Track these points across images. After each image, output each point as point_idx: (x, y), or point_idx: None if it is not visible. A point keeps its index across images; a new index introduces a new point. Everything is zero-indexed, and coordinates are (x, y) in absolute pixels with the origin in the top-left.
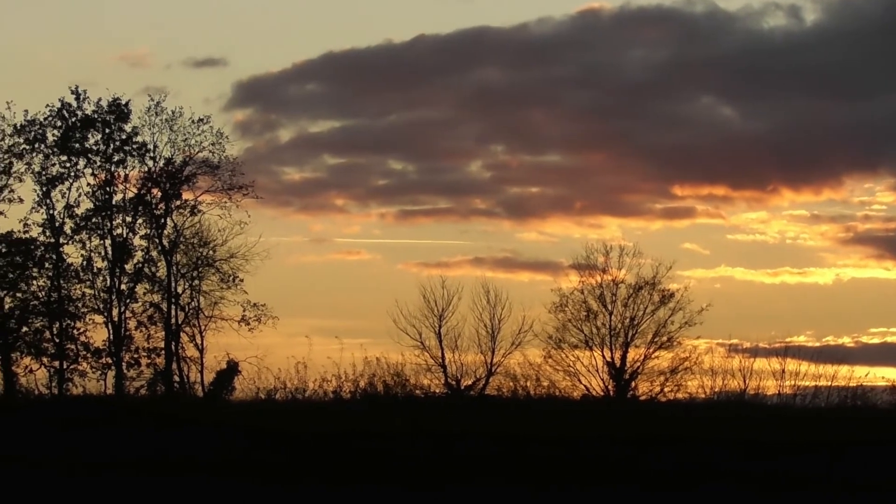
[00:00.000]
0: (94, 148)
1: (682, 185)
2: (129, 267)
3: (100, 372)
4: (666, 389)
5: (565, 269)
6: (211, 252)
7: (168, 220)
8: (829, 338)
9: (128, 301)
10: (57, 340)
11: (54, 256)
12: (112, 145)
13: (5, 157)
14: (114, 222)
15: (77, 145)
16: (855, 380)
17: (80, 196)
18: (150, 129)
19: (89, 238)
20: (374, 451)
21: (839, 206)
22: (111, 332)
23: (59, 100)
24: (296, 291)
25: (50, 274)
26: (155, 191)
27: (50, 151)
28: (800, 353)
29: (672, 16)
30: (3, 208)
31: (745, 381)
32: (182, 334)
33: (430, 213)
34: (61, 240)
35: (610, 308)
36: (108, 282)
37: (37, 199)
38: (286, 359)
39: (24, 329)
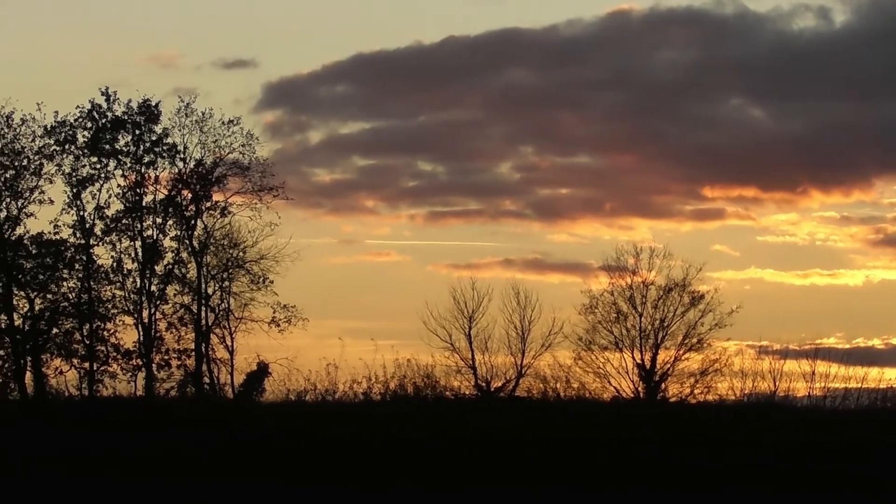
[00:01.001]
0: (125, 149)
1: (712, 186)
2: (159, 268)
3: (130, 373)
4: (696, 391)
5: (595, 270)
6: (241, 253)
7: (198, 221)
8: (859, 339)
9: (158, 302)
10: (87, 342)
11: (84, 258)
12: (142, 147)
13: (36, 158)
14: (144, 224)
15: (107, 146)
16: (885, 382)
17: (110, 197)
18: (180, 130)
19: (119, 239)
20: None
21: (869, 207)
22: (141, 333)
23: (90, 101)
24: (326, 293)
25: (80, 275)
26: (185, 192)
27: (80, 153)
28: (830, 355)
29: (701, 17)
30: (34, 210)
31: (775, 383)
32: (212, 336)
33: (459, 214)
34: (91, 241)
35: (640, 310)
36: (139, 283)
37: (67, 200)
38: (317, 360)
39: (55, 330)
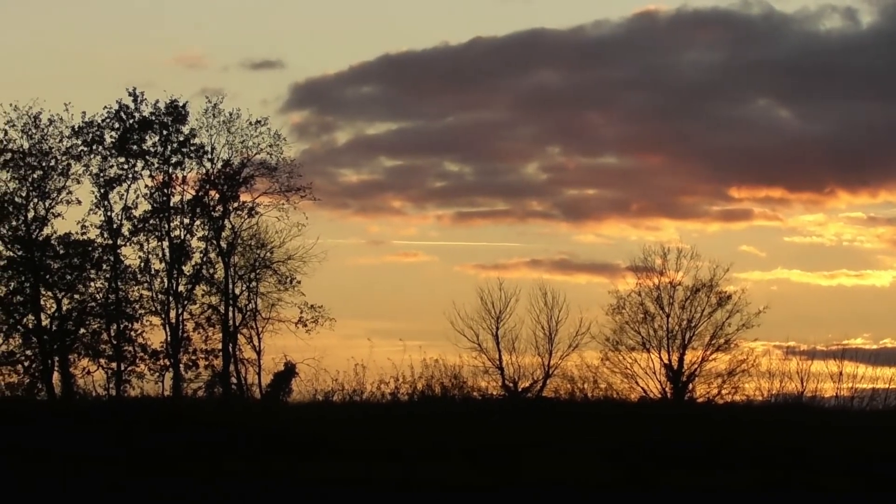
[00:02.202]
0: (152, 150)
1: (739, 187)
2: (186, 269)
3: (157, 374)
4: (723, 392)
5: (622, 271)
6: (268, 254)
7: (226, 221)
8: (886, 340)
9: (185, 303)
10: (114, 342)
11: (112, 258)
12: (169, 147)
13: (63, 158)
14: (171, 224)
15: (135, 147)
16: None
17: (137, 198)
18: (207, 130)
19: (147, 240)
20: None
21: None
22: (169, 333)
23: (117, 101)
24: (353, 293)
25: (107, 276)
26: (212, 193)
27: (108, 153)
28: (857, 356)
29: (728, 18)
30: (62, 210)
31: (802, 384)
32: (239, 336)
33: (486, 214)
34: (119, 241)
35: (667, 310)
36: (166, 283)
37: (94, 200)
38: (344, 360)
39: (82, 331)
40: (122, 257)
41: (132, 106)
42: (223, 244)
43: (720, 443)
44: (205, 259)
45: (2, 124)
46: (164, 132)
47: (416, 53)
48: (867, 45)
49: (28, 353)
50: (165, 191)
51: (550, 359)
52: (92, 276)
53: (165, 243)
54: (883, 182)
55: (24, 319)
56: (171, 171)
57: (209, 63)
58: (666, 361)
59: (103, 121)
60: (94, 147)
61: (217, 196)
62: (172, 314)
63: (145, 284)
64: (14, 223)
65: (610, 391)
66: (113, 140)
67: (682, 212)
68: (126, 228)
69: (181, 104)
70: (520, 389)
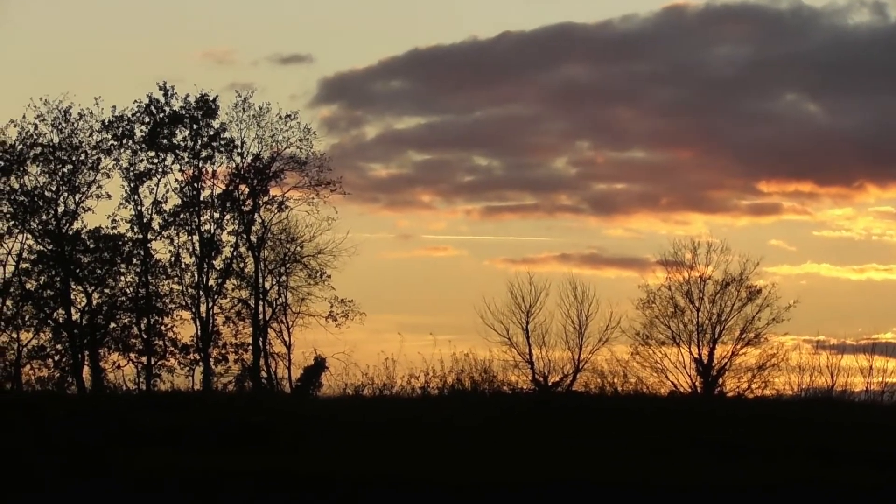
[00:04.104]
0: (182, 144)
1: (768, 181)
2: (216, 263)
3: (187, 368)
4: (753, 386)
5: (652, 265)
6: (298, 248)
7: (256, 216)
8: None
9: (215, 297)
10: (144, 336)
11: (142, 252)
12: (199, 141)
13: (93, 152)
14: (201, 218)
15: (165, 141)
16: None
17: (167, 192)
18: (237, 125)
19: (177, 234)
20: None
21: None
22: (199, 327)
23: (147, 96)
24: (382, 287)
25: (138, 270)
26: (242, 187)
27: (138, 147)
28: (887, 350)
29: (757, 12)
30: (92, 204)
31: (832, 378)
32: (269, 330)
33: (515, 209)
34: (149, 235)
35: (697, 304)
36: (196, 278)
37: (125, 195)
38: (374, 354)
39: (112, 325)
40: (152, 251)
41: (162, 100)
42: (253, 238)
43: (749, 437)
44: (235, 253)
45: (32, 119)
46: (194, 126)
47: (445, 48)
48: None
49: (58, 347)
50: (195, 185)
51: (580, 353)
52: (122, 270)
53: (195, 237)
54: None
55: (55, 314)
56: (200, 165)
57: (238, 58)
58: (696, 356)
59: (133, 115)
60: (124, 141)
61: (247, 190)
62: (202, 308)
63: (175, 279)
64: (44, 217)
65: (640, 385)
66: (143, 134)
67: (712, 206)
68: (156, 223)
69: (211, 98)
70: (550, 384)
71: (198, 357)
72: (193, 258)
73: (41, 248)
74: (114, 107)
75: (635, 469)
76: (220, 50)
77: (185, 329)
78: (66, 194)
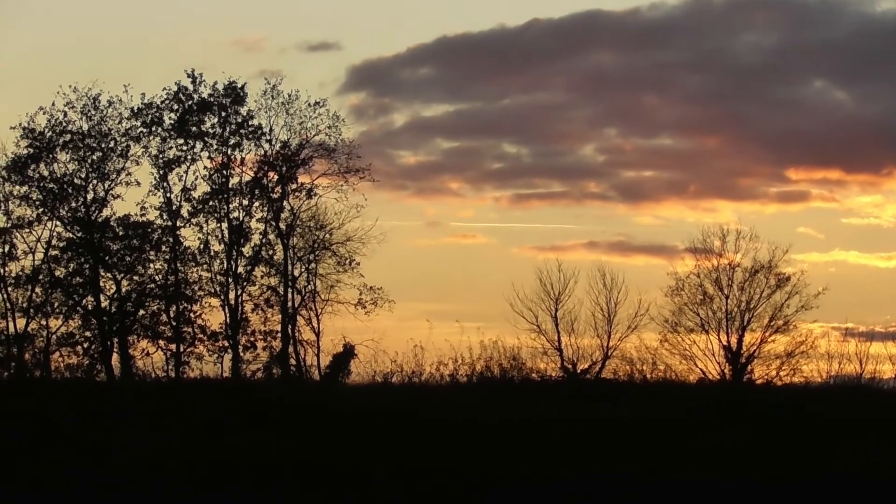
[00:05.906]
0: (211, 131)
1: (797, 168)
2: (245, 250)
3: (216, 355)
4: (782, 373)
5: (680, 252)
6: (327, 235)
7: (285, 203)
8: None
9: (245, 284)
10: (173, 323)
11: (171, 239)
12: (228, 129)
13: (122, 140)
14: (230, 205)
15: (194, 128)
16: None
17: (196, 179)
18: (266, 112)
19: (206, 221)
20: None
21: None
22: (228, 315)
23: (176, 83)
24: (411, 275)
25: (167, 257)
26: (271, 174)
27: (167, 135)
28: None
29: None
30: (121, 191)
31: (861, 366)
32: (298, 317)
33: (544, 196)
34: (178, 223)
35: (726, 292)
36: (225, 265)
37: (154, 182)
38: (403, 342)
39: (141, 312)
40: (181, 239)
41: (191, 87)
42: (282, 225)
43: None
44: (264, 240)
45: (62, 106)
46: (223, 114)
47: (473, 35)
48: None
49: (87, 334)
50: (224, 172)
51: (609, 340)
52: (151, 257)
53: (224, 225)
54: None
55: (84, 301)
56: (229, 152)
57: (267, 45)
58: (725, 343)
59: (162, 102)
60: (154, 128)
61: (276, 177)
62: (231, 295)
63: (204, 266)
64: (74, 205)
65: (669, 373)
66: (172, 121)
67: (740, 193)
68: (185, 210)
69: (239, 86)
70: (578, 371)
71: (226, 344)
72: (222, 245)
73: (70, 235)
74: (143, 94)
75: None
76: (249, 38)
77: (213, 316)
78: (95, 181)
